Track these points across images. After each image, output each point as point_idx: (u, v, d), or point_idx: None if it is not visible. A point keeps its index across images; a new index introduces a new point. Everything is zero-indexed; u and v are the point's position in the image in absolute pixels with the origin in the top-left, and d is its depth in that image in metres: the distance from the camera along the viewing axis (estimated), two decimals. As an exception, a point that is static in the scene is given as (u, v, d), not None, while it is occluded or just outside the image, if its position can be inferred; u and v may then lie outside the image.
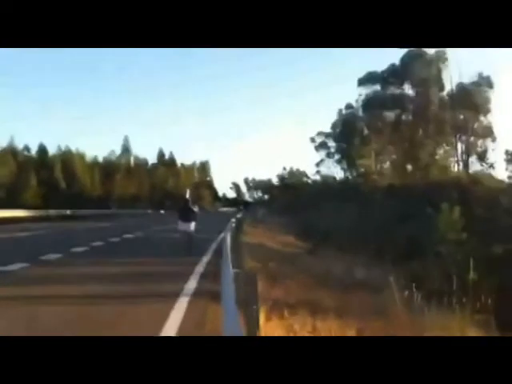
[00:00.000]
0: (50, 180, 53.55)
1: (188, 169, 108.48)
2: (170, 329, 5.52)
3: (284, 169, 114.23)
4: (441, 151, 54.78)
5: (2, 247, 15.86)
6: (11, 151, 54.60)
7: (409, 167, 54.73)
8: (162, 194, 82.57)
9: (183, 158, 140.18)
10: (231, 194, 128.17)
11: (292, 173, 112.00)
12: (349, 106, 62.22)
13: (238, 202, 56.04)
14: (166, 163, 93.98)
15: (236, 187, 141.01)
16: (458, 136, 53.27)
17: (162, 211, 69.42)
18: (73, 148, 63.67)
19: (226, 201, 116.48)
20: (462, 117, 52.14)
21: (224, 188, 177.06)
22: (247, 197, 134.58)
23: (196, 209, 13.60)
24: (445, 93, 53.57)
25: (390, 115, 55.60)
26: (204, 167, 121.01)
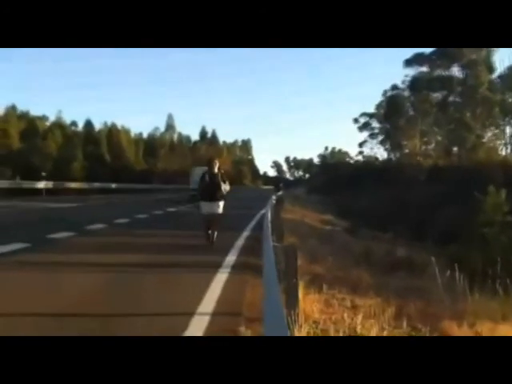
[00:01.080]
0: (95, 154, 54.69)
1: (230, 147, 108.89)
2: (213, 294, 5.64)
3: (326, 149, 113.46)
4: (488, 134, 53.10)
5: (51, 217, 16.41)
6: (59, 125, 55.91)
7: (455, 149, 53.36)
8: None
9: (225, 136, 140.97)
10: (272, 173, 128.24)
11: (333, 153, 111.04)
12: (394, 87, 60.99)
13: (278, 180, 55.21)
14: (209, 141, 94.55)
15: (277, 166, 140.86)
16: (506, 119, 51.50)
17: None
18: (118, 124, 64.74)
19: (266, 179, 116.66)
20: (511, 100, 50.42)
21: (265, 166, 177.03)
22: (288, 175, 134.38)
23: (227, 186, 10.41)
24: (494, 75, 51.72)
25: (437, 96, 54.21)
26: (246, 145, 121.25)
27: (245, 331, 4.40)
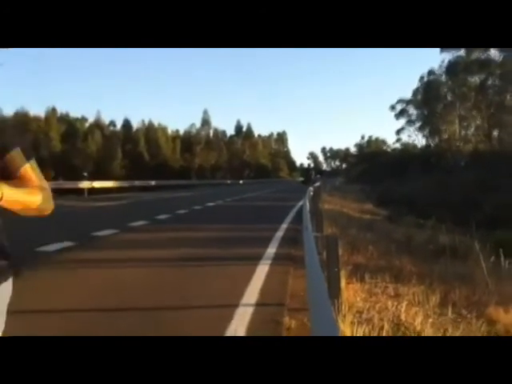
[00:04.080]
0: (134, 152, 55.66)
1: (265, 139, 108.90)
2: (256, 285, 5.73)
3: (362, 138, 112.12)
4: (530, 116, 51.42)
5: (94, 215, 16.86)
6: (98, 126, 57.11)
7: (495, 133, 51.88)
8: (240, 165, 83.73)
9: (261, 129, 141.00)
10: (310, 164, 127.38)
11: (370, 141, 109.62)
12: (431, 72, 59.64)
13: (309, 171, 53.22)
14: (244, 134, 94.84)
15: (313, 157, 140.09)
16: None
17: (241, 181, 70.53)
18: (155, 122, 65.64)
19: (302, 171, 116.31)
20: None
21: (301, 158, 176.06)
22: (325, 166, 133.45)
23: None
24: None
25: (475, 80, 52.78)
26: (281, 138, 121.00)
27: (289, 321, 4.45)
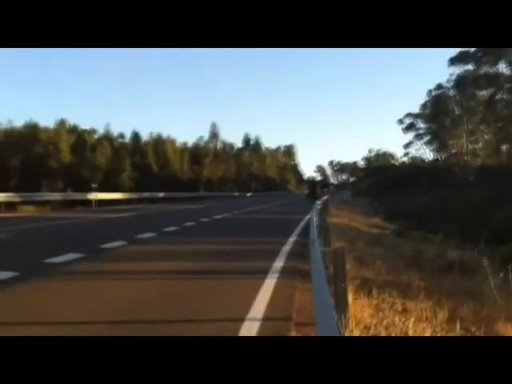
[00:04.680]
0: (143, 164, 55.83)
1: (273, 153, 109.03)
2: (263, 301, 5.71)
3: (370, 151, 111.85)
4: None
5: (102, 227, 16.91)
6: (107, 138, 57.44)
7: (503, 147, 51.64)
8: (248, 178, 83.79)
9: (269, 142, 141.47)
10: (317, 177, 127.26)
11: (378, 155, 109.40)
12: (439, 87, 59.64)
13: (320, 184, 51.86)
14: (252, 147, 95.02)
15: (321, 170, 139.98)
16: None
17: (249, 194, 70.53)
18: (164, 134, 65.96)
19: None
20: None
21: (309, 171, 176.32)
22: (332, 179, 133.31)
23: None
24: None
25: (484, 94, 52.69)
26: (289, 151, 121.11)
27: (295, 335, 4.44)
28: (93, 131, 58.94)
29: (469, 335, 4.49)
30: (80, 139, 53.09)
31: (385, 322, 5.16)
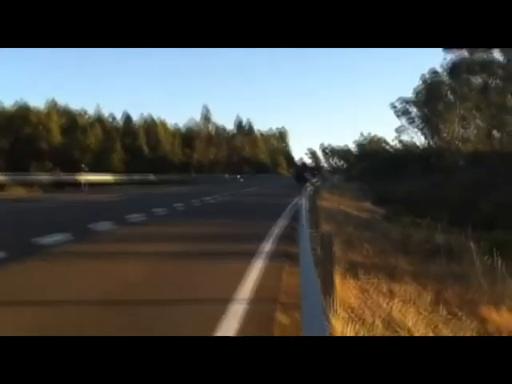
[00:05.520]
0: (133, 146, 55.58)
1: (265, 136, 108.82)
2: (250, 283, 5.75)
3: (362, 135, 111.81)
4: (530, 117, 51.32)
5: (91, 209, 16.88)
6: (98, 119, 57.02)
7: (495, 133, 51.87)
8: (239, 161, 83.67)
9: (261, 126, 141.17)
10: (308, 161, 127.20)
11: (370, 139, 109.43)
12: (433, 72, 59.51)
13: (303, 168, 48.74)
14: (244, 131, 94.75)
15: (312, 154, 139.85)
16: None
17: (240, 177, 70.49)
18: (155, 116, 65.58)
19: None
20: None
21: (300, 155, 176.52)
22: (324, 163, 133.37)
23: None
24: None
25: (477, 80, 52.74)
26: (281, 134, 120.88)
27: (283, 318, 4.48)
28: (84, 113, 58.50)
29: (469, 335, 4.56)
30: (71, 121, 52.70)
31: (370, 304, 5.23)
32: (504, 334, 4.90)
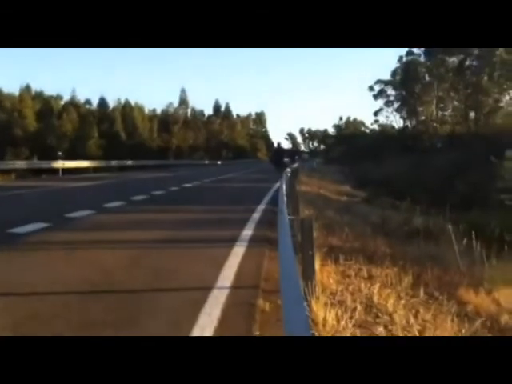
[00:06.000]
0: (110, 132, 54.88)
1: (244, 120, 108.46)
2: (231, 269, 5.73)
3: (340, 119, 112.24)
4: (506, 98, 52.00)
5: (68, 196, 16.64)
6: (73, 104, 56.14)
7: (471, 114, 52.48)
8: (218, 145, 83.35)
9: (239, 110, 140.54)
10: (287, 145, 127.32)
11: (349, 122, 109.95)
12: (410, 53, 59.77)
13: (288, 152, 46.98)
14: (222, 115, 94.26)
15: (291, 138, 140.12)
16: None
17: (219, 162, 70.33)
18: (132, 101, 64.78)
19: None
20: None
21: (280, 139, 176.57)
22: (303, 147, 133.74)
23: None
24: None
25: (454, 61, 53.17)
26: (260, 118, 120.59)
27: (263, 303, 4.47)
28: (59, 97, 57.56)
29: (468, 335, 4.59)
30: (46, 106, 51.85)
31: (351, 288, 5.26)
32: (483, 317, 4.97)
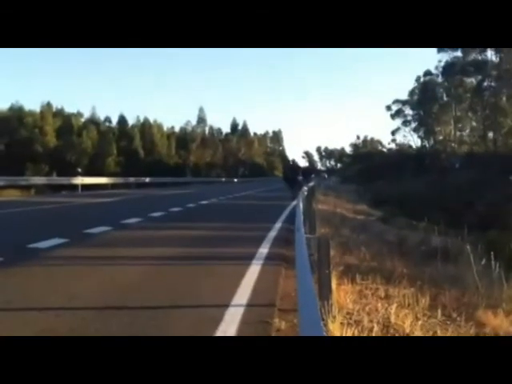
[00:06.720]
0: (129, 149, 55.56)
1: (261, 138, 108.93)
2: (247, 287, 5.73)
3: (358, 137, 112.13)
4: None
5: (88, 212, 16.82)
6: (93, 122, 56.95)
7: (490, 134, 52.07)
8: (235, 163, 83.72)
9: (256, 128, 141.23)
10: (304, 163, 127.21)
11: (366, 141, 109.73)
12: (427, 73, 59.82)
13: (303, 169, 45.91)
14: (240, 133, 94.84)
15: (308, 156, 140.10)
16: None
17: (236, 179, 70.49)
18: (151, 119, 65.57)
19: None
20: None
21: (296, 157, 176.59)
22: (320, 165, 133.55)
23: None
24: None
25: (471, 81, 53.02)
26: (277, 136, 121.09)
27: (278, 322, 4.47)
28: (79, 115, 58.45)
29: (468, 335, 4.55)
30: (66, 123, 52.65)
31: (367, 308, 5.22)
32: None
